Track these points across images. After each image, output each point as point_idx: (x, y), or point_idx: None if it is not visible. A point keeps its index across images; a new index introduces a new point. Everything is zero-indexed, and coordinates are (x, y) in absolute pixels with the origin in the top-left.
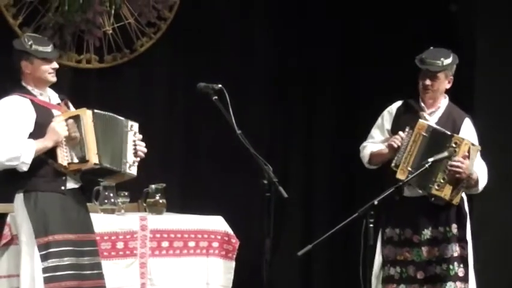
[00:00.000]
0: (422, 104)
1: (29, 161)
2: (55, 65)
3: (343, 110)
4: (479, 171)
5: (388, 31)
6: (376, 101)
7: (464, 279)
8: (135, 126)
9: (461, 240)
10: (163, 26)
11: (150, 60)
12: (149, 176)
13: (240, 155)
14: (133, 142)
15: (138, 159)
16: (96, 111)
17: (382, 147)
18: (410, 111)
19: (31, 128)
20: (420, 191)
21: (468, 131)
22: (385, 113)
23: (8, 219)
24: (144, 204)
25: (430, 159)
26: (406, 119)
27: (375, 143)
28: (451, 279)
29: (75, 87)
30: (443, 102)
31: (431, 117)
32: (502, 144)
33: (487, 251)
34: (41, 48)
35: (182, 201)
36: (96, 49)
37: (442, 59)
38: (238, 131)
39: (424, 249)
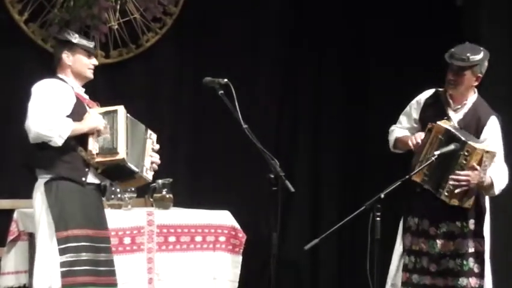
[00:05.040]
0: (450, 100)
1: (65, 135)
2: (95, 61)
3: (351, 104)
4: (496, 174)
5: (392, 27)
6: (383, 94)
7: (480, 275)
8: (154, 136)
9: (478, 236)
10: (169, 21)
11: (155, 55)
12: (156, 171)
13: (247, 150)
14: (151, 150)
15: (155, 166)
16: (128, 114)
17: (407, 134)
18: (437, 104)
19: (69, 111)
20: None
21: (491, 131)
22: (414, 102)
23: (15, 215)
24: (151, 199)
25: (436, 152)
26: (432, 112)
27: (401, 129)
28: (465, 274)
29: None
30: (471, 98)
31: (457, 113)
32: (507, 138)
33: (503, 247)
34: (85, 42)
35: (189, 196)
36: (102, 44)
37: (468, 54)
38: (245, 126)
39: (439, 242)
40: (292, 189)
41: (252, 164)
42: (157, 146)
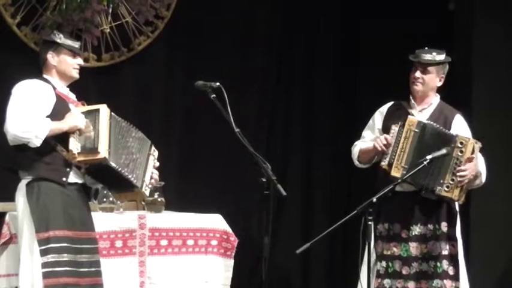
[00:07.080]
0: (413, 101)
1: (43, 136)
2: (80, 61)
3: (342, 108)
4: (480, 165)
5: (385, 29)
6: (374, 100)
7: (455, 277)
8: (156, 153)
9: (451, 239)
10: (160, 24)
11: (147, 58)
12: None
13: (239, 154)
14: (153, 167)
15: (153, 181)
16: (112, 113)
17: (370, 145)
18: (401, 110)
19: (48, 111)
20: (422, 191)
21: (460, 126)
22: (376, 113)
23: (7, 218)
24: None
25: (429, 157)
26: (396, 117)
27: (364, 142)
28: (439, 276)
29: (72, 86)
30: (435, 99)
31: (422, 113)
32: (499, 140)
33: (484, 248)
34: (69, 42)
35: (181, 200)
36: (94, 48)
37: (434, 53)
38: (237, 129)
39: (412, 245)
40: (284, 193)
41: (244, 167)
42: (157, 164)
